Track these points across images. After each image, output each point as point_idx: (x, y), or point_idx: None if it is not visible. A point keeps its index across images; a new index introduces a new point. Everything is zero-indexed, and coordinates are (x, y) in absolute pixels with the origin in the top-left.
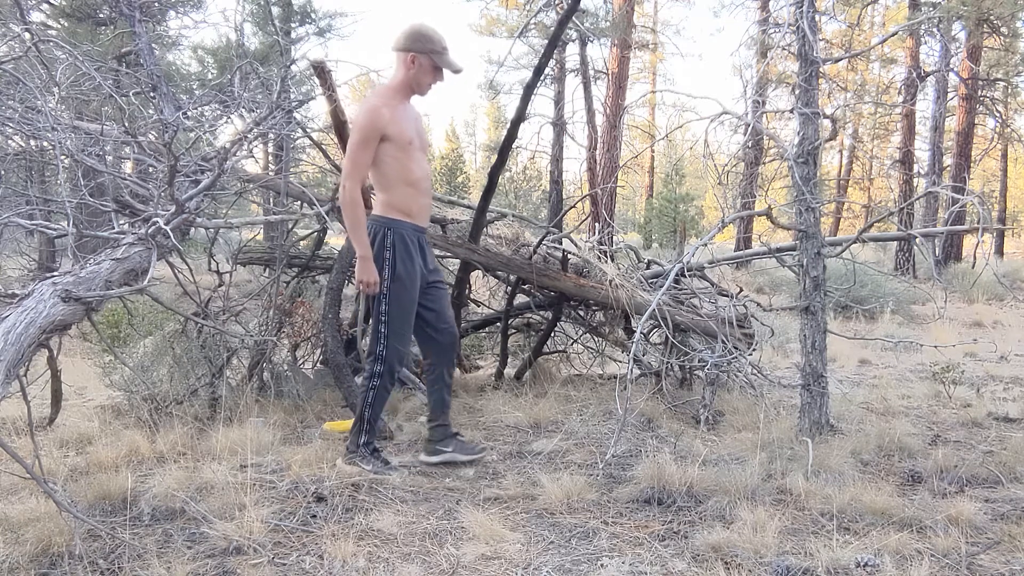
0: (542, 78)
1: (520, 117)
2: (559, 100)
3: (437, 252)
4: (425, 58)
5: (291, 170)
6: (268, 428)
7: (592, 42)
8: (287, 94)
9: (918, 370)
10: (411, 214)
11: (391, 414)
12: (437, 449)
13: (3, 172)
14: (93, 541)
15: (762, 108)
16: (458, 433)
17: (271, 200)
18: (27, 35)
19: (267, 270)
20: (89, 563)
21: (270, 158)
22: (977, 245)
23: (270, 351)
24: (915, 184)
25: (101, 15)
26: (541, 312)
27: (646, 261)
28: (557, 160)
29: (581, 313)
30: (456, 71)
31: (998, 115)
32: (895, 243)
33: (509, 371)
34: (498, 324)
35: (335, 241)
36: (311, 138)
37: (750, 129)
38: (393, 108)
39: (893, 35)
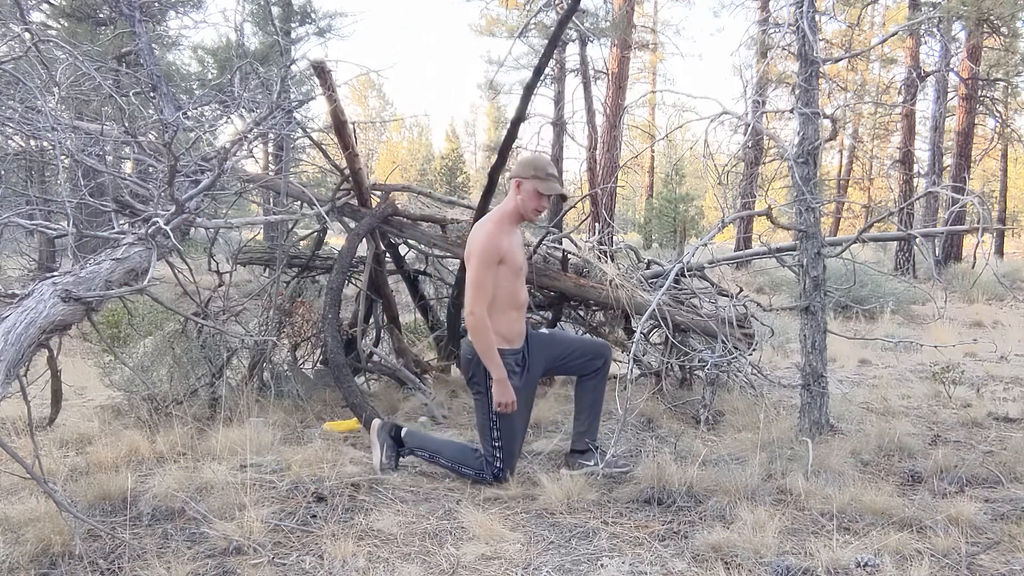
0: (542, 78)
1: (520, 117)
2: (559, 100)
3: (437, 252)
4: (528, 183)
5: (291, 170)
6: (268, 428)
7: (592, 42)
8: (287, 94)
9: (918, 370)
10: (511, 339)
11: (390, 413)
12: (580, 463)
13: (3, 172)
14: (93, 541)
15: (762, 108)
16: (599, 447)
17: (271, 200)
18: (27, 35)
19: (267, 270)
20: (89, 563)
21: (270, 158)
22: (977, 245)
23: (270, 351)
24: (915, 184)
25: (101, 15)
26: (541, 312)
27: (646, 261)
28: (557, 160)
29: (581, 313)
30: (556, 194)
31: (998, 115)
32: (895, 243)
33: None
34: None
35: (335, 241)
36: (311, 138)
37: (750, 129)
38: (508, 235)
39: (893, 35)
